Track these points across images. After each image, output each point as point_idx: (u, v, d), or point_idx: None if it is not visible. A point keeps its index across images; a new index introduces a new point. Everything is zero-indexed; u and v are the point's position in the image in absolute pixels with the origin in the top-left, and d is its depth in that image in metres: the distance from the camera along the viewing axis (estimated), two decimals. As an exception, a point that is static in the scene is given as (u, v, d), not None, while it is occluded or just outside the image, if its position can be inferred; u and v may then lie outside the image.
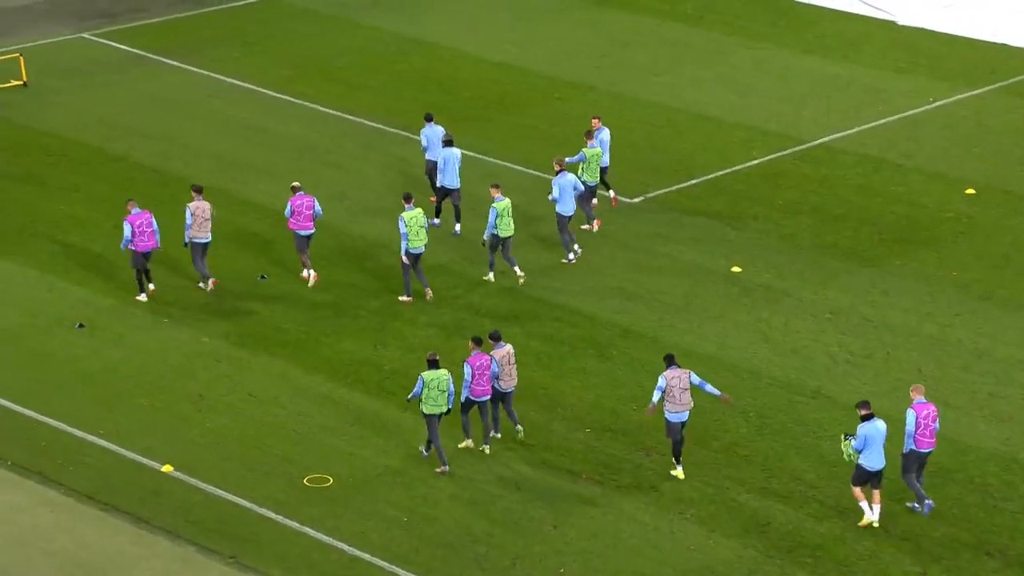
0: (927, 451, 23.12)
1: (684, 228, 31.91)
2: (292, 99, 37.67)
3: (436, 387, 23.66)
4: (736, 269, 30.36)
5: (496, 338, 24.44)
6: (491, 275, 29.54)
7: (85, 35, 41.48)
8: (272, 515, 23.14)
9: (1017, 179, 34.31)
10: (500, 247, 29.24)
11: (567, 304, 28.92)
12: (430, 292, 28.65)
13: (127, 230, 28.08)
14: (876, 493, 23.06)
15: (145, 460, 24.26)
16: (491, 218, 28.90)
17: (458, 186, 30.96)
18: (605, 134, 31.75)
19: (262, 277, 29.67)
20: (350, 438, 24.95)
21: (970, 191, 33.80)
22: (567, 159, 30.77)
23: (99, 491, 23.54)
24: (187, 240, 28.55)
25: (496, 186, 29.36)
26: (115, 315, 28.27)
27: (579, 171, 30.80)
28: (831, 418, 25.40)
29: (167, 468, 24.08)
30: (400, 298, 28.78)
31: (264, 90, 38.12)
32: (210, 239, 28.74)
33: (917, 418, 22.94)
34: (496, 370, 24.15)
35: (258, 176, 33.62)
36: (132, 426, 25.09)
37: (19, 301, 28.73)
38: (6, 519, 23.01)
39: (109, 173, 33.65)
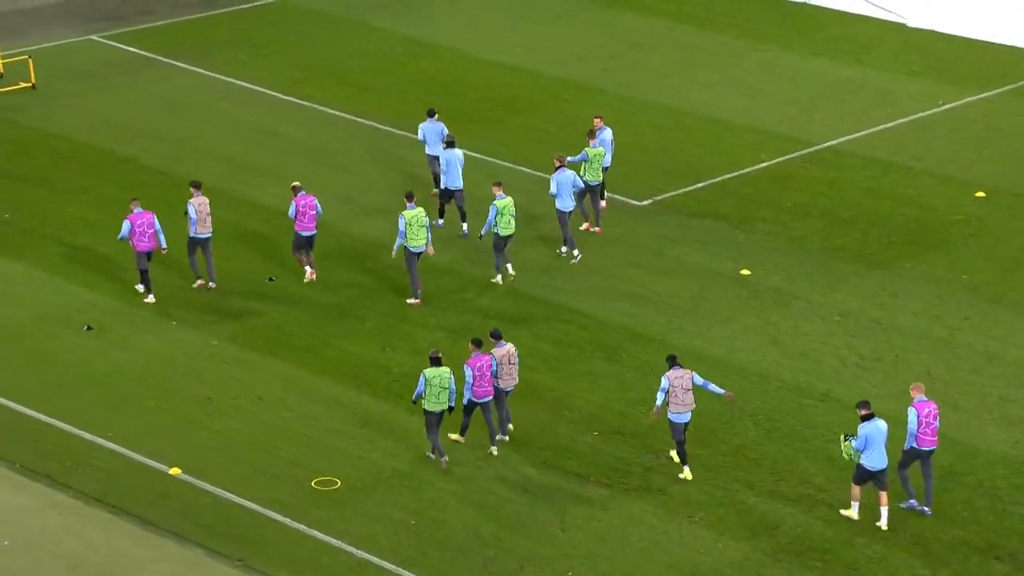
0: (929, 449, 23.14)
1: (693, 231, 31.86)
2: (301, 101, 37.68)
3: (438, 384, 23.69)
4: (745, 272, 30.31)
5: (497, 336, 24.46)
6: (499, 277, 29.52)
7: (94, 37, 41.52)
8: (280, 518, 23.13)
9: (1027, 182, 34.28)
10: (503, 245, 29.25)
11: (575, 307, 28.89)
12: (414, 301, 28.61)
13: (125, 227, 28.18)
14: (883, 495, 23.04)
15: (153, 463, 24.26)
16: (491, 215, 28.92)
17: (461, 187, 30.98)
18: (607, 133, 31.75)
19: (270, 279, 29.67)
20: (358, 441, 24.93)
21: (980, 194, 33.73)
22: (569, 159, 30.80)
23: (107, 494, 23.54)
24: (191, 233, 28.56)
25: (498, 184, 29.38)
26: (123, 317, 28.27)
27: (581, 170, 30.81)
28: (840, 421, 25.33)
29: (175, 471, 24.08)
30: (408, 300, 28.77)
31: (273, 92, 38.14)
32: (209, 235, 28.74)
33: (919, 416, 23.00)
34: (495, 368, 24.15)
35: (267, 178, 33.61)
36: (140, 429, 25.09)
37: (27, 303, 28.75)
38: (14, 522, 23.01)
39: (118, 175, 33.67)
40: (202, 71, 39.31)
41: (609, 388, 26.40)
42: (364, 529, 22.91)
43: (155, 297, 28.58)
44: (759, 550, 22.70)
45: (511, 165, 34.34)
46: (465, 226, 31.08)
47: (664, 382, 23.76)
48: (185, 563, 22.24)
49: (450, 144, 31.10)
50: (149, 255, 28.44)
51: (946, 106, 38.07)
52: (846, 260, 30.81)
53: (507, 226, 29.04)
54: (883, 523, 23.00)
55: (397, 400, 25.78)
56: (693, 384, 23.79)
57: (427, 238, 28.44)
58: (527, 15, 43.64)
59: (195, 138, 35.70)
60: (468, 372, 23.95)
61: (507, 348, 24.43)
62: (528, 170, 34.04)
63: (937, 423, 23.16)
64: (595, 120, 31.90)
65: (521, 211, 31.00)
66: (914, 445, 23.07)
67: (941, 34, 42.60)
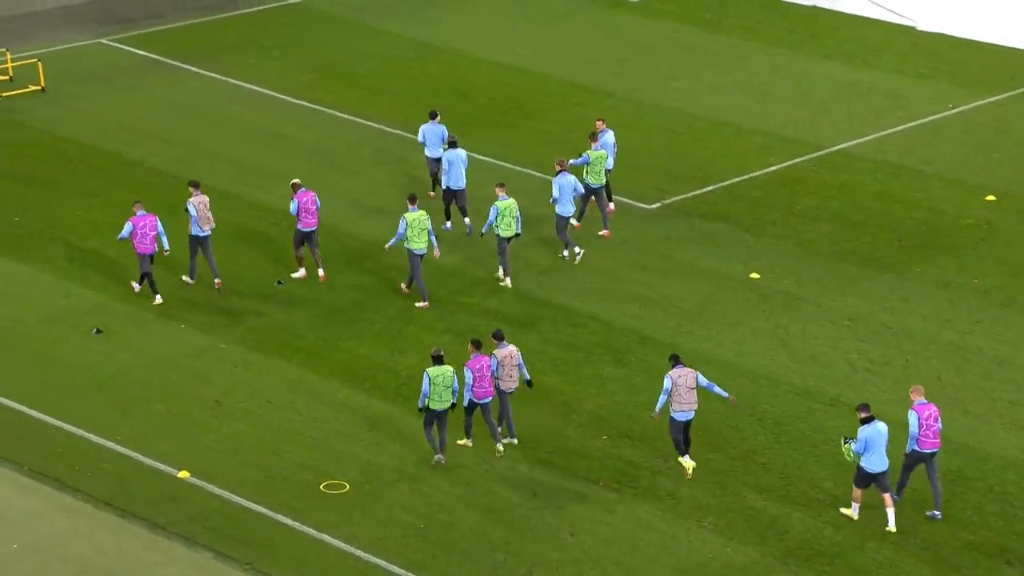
0: (930, 451, 23.15)
1: (702, 234, 31.82)
2: (309, 104, 37.70)
3: (441, 383, 23.75)
4: (754, 275, 30.26)
5: (499, 337, 24.49)
6: (507, 280, 29.50)
7: (103, 40, 41.56)
8: (288, 521, 23.11)
9: (1037, 185, 34.20)
10: (505, 248, 29.27)
11: (584, 310, 28.85)
12: (406, 289, 28.71)
13: (127, 228, 28.26)
14: (887, 497, 23.07)
15: (161, 466, 24.25)
16: (491, 216, 28.97)
17: (463, 187, 31.01)
18: (609, 136, 31.75)
19: (279, 282, 29.67)
20: (366, 444, 24.91)
21: (990, 197, 33.65)
22: (571, 162, 30.81)
23: (116, 497, 23.53)
24: (193, 231, 28.64)
25: (501, 185, 29.41)
26: (131, 320, 28.28)
27: (584, 173, 30.80)
28: (850, 425, 25.25)
29: (183, 474, 24.07)
30: (417, 304, 28.76)
31: (281, 96, 38.15)
32: (209, 233, 28.81)
33: (919, 419, 23.02)
34: (495, 368, 24.15)
35: (275, 181, 33.60)
36: (148, 432, 25.09)
37: (35, 306, 28.76)
38: (23, 525, 23.02)
39: (127, 178, 33.68)
40: (211, 74, 39.34)
41: (617, 391, 26.35)
42: (372, 533, 22.89)
43: (162, 298, 28.58)
44: (768, 554, 22.65)
45: (519, 168, 34.31)
46: (467, 220, 31.08)
47: (667, 382, 23.78)
48: (193, 566, 22.22)
49: (452, 144, 31.11)
50: (151, 258, 28.47)
51: (956, 109, 38.00)
52: (856, 264, 30.75)
53: (507, 228, 29.03)
54: (891, 525, 22.97)
55: (406, 403, 25.75)
56: (697, 384, 23.77)
57: (431, 241, 28.44)
58: (535, 18, 43.63)
59: (204, 141, 35.71)
60: (468, 374, 23.99)
61: (509, 349, 24.44)
62: (538, 173, 34.00)
63: (938, 425, 23.17)
64: (597, 123, 31.90)
65: (527, 213, 30.99)
66: (915, 448, 23.10)
67: (951, 37, 42.53)
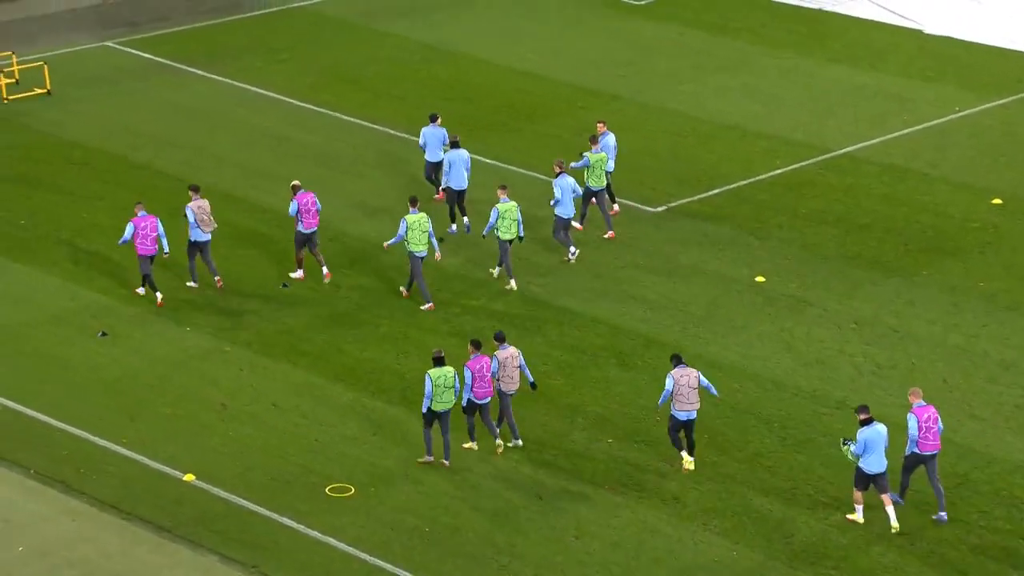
0: (930, 453, 23.16)
1: (708, 237, 31.79)
2: (315, 108, 37.70)
3: (443, 384, 23.79)
4: (760, 279, 30.23)
5: (500, 339, 24.54)
6: (512, 282, 29.51)
7: (109, 44, 41.59)
8: (294, 524, 23.10)
9: (1044, 189, 34.15)
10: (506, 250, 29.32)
11: (589, 313, 28.84)
12: (406, 292, 28.82)
13: (128, 230, 28.32)
14: (885, 497, 23.10)
15: (167, 469, 24.25)
16: (492, 218, 28.99)
17: (464, 187, 31.02)
18: (610, 138, 31.76)
19: (284, 285, 29.67)
20: (372, 447, 24.90)
21: (997, 201, 33.60)
22: (572, 164, 30.84)
23: (121, 500, 23.53)
24: (192, 237, 28.68)
25: (503, 188, 29.43)
26: (137, 323, 28.29)
27: (585, 176, 30.82)
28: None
29: (189, 477, 24.06)
30: (422, 307, 28.76)
31: (287, 99, 38.16)
32: (209, 237, 28.80)
33: (919, 422, 23.03)
34: (495, 369, 24.18)
35: (281, 184, 33.57)
36: (154, 435, 25.09)
37: (41, 309, 28.77)
38: (28, 528, 23.01)
39: (132, 181, 33.69)
40: (217, 77, 39.35)
41: (623, 394, 26.33)
42: (378, 536, 22.88)
43: (162, 295, 28.60)
44: (774, 558, 22.62)
45: (524, 171, 34.28)
46: (466, 220, 31.13)
47: (669, 382, 23.83)
48: (199, 569, 22.21)
49: (455, 144, 31.14)
50: (151, 259, 28.51)
51: (962, 113, 37.95)
52: (862, 267, 30.71)
53: (507, 230, 29.03)
54: (894, 523, 23.00)
55: (411, 406, 25.74)
56: (699, 384, 23.80)
57: (432, 244, 28.46)
58: (541, 21, 43.62)
59: (209, 144, 35.73)
60: (468, 374, 24.05)
61: (510, 351, 24.49)
62: (543, 176, 33.97)
63: (938, 427, 23.18)
64: (598, 125, 31.93)
65: (531, 216, 30.97)
66: (915, 450, 23.11)
67: (957, 40, 42.48)
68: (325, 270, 29.47)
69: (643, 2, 44.89)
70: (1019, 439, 25.40)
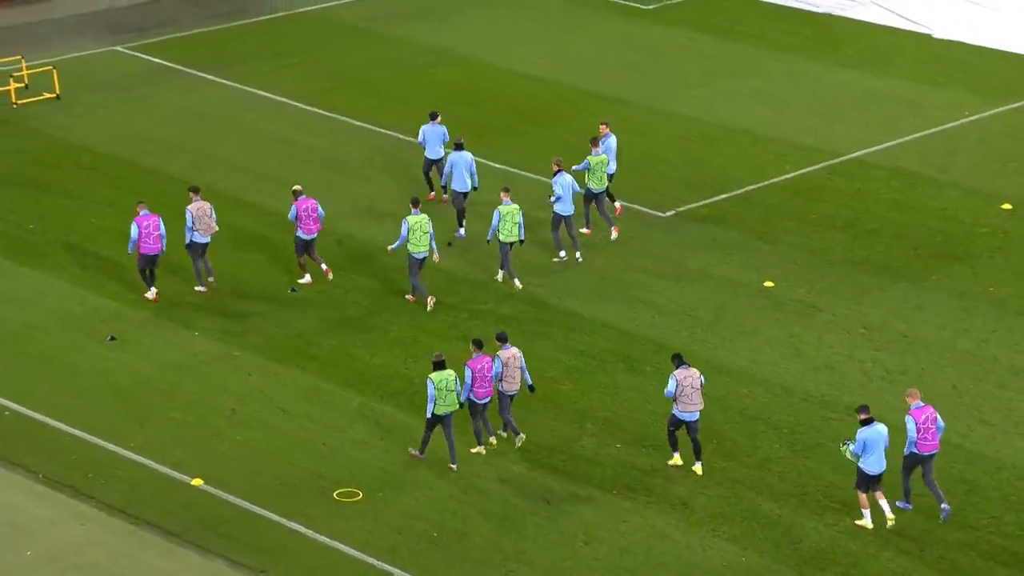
0: (929, 453, 23.17)
1: (716, 242, 31.76)
2: (324, 112, 37.72)
3: (445, 387, 23.87)
4: (768, 284, 30.19)
5: (503, 339, 24.61)
6: (516, 282, 29.54)
7: (118, 48, 41.63)
8: (302, 529, 23.10)
9: (1053, 194, 34.09)
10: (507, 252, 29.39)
11: (598, 317, 28.81)
12: (411, 298, 28.78)
13: (134, 231, 28.38)
14: (879, 493, 23.17)
15: (176, 474, 24.25)
16: (494, 220, 29.04)
17: (467, 190, 31.04)
18: (612, 140, 31.80)
19: (292, 290, 29.68)
20: (380, 452, 24.89)
21: (1006, 206, 33.54)
22: (574, 167, 30.89)
23: (130, 505, 23.54)
24: (188, 240, 28.72)
25: (506, 190, 29.47)
26: (146, 328, 28.30)
27: (585, 178, 30.88)
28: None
29: (197, 482, 24.06)
30: (427, 308, 28.79)
31: (296, 103, 38.18)
32: (209, 240, 28.88)
33: (917, 424, 23.06)
34: (499, 370, 24.19)
35: (289, 189, 33.56)
36: (163, 439, 25.10)
37: (50, 313, 28.79)
38: (37, 533, 23.03)
39: (141, 186, 33.69)
40: (225, 82, 39.38)
41: (631, 399, 26.31)
42: (386, 541, 22.86)
43: (156, 291, 28.76)
44: (783, 563, 22.58)
45: (532, 175, 34.26)
46: (461, 230, 31.24)
47: (672, 383, 23.89)
48: (207, 574, 22.22)
49: (458, 147, 31.18)
50: (153, 258, 28.58)
51: (972, 117, 37.90)
52: (870, 272, 30.67)
53: (509, 233, 29.06)
54: (888, 514, 23.09)
55: (419, 411, 25.70)
56: (701, 385, 23.91)
57: (432, 246, 28.54)
58: (549, 25, 43.61)
59: (218, 149, 35.75)
60: (468, 373, 24.14)
61: (512, 351, 24.58)
62: (550, 180, 33.96)
63: (936, 427, 23.22)
64: (601, 127, 31.98)
65: (538, 219, 30.93)
66: (914, 451, 23.16)
67: (966, 45, 42.42)
68: (324, 266, 29.50)
69: (651, 6, 44.88)
70: (1029, 445, 25.36)
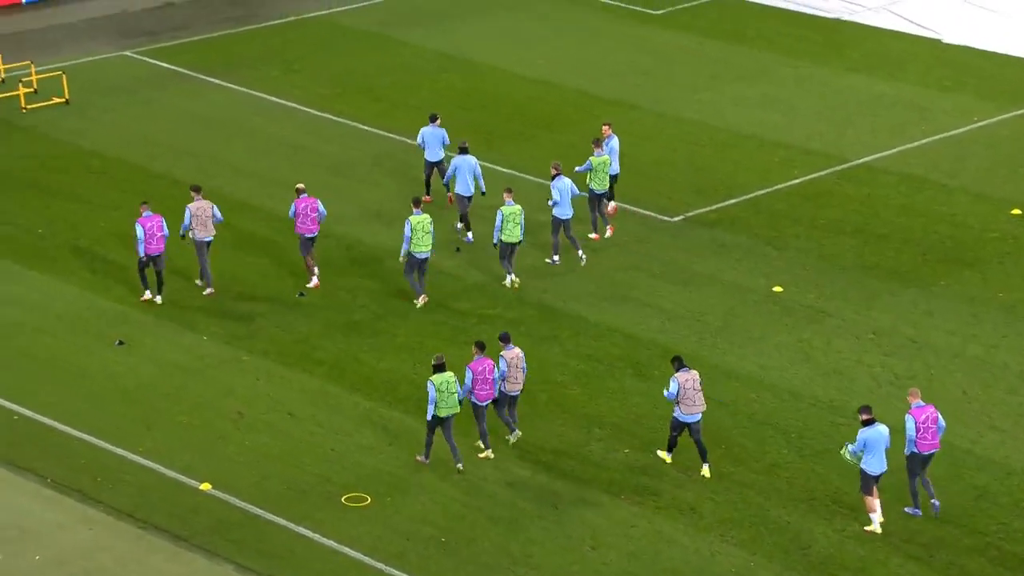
0: (929, 452, 23.19)
1: (725, 247, 31.73)
2: (332, 117, 37.73)
3: (446, 389, 23.91)
4: (777, 289, 30.15)
5: (506, 339, 24.68)
6: (509, 279, 29.53)
7: (127, 53, 41.68)
8: (310, 534, 23.08)
9: (1063, 199, 34.02)
10: (509, 252, 29.37)
11: (606, 322, 28.79)
12: (424, 299, 28.80)
13: (139, 232, 28.38)
14: (874, 491, 23.20)
15: (184, 478, 24.25)
16: (497, 221, 29.08)
17: (471, 194, 31.05)
18: (614, 142, 31.81)
19: (300, 294, 29.69)
20: (388, 457, 24.88)
21: (1015, 211, 33.47)
22: (576, 168, 30.90)
23: (138, 509, 23.54)
24: (182, 232, 28.96)
25: (508, 191, 29.50)
26: (154, 332, 28.31)
27: (587, 179, 30.88)
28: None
29: (205, 486, 24.05)
30: (416, 303, 28.87)
31: (304, 108, 38.20)
32: (212, 238, 28.92)
33: (916, 423, 23.08)
34: (505, 370, 24.23)
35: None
36: (171, 444, 25.10)
37: (59, 318, 28.82)
38: (46, 537, 23.03)
39: (150, 190, 33.70)
40: (234, 86, 39.41)
41: (640, 404, 26.27)
42: (394, 546, 22.84)
43: (150, 295, 28.81)
44: (791, 569, 22.53)
45: (541, 180, 34.23)
46: (461, 229, 31.24)
47: (673, 385, 23.89)
48: (215, 579, 22.23)
49: (463, 150, 31.21)
50: (155, 258, 28.61)
51: (981, 123, 37.83)
52: (880, 278, 30.62)
53: (511, 233, 29.06)
54: (877, 526, 23.16)
55: (425, 416, 25.67)
56: (701, 386, 24.01)
57: (431, 244, 28.66)
58: (558, 30, 43.59)
59: (226, 153, 35.78)
60: (468, 374, 24.18)
61: (515, 352, 24.67)
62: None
63: (937, 427, 23.22)
64: (604, 128, 31.98)
65: (539, 222, 30.90)
66: (915, 450, 23.15)
67: (976, 50, 42.35)
68: (315, 280, 29.48)
69: (660, 11, 44.85)
70: (1038, 450, 25.29)
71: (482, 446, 24.76)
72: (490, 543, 22.94)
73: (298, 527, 23.20)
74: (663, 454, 24.55)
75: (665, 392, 24.23)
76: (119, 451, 24.89)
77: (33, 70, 38.70)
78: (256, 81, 39.67)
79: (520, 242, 29.50)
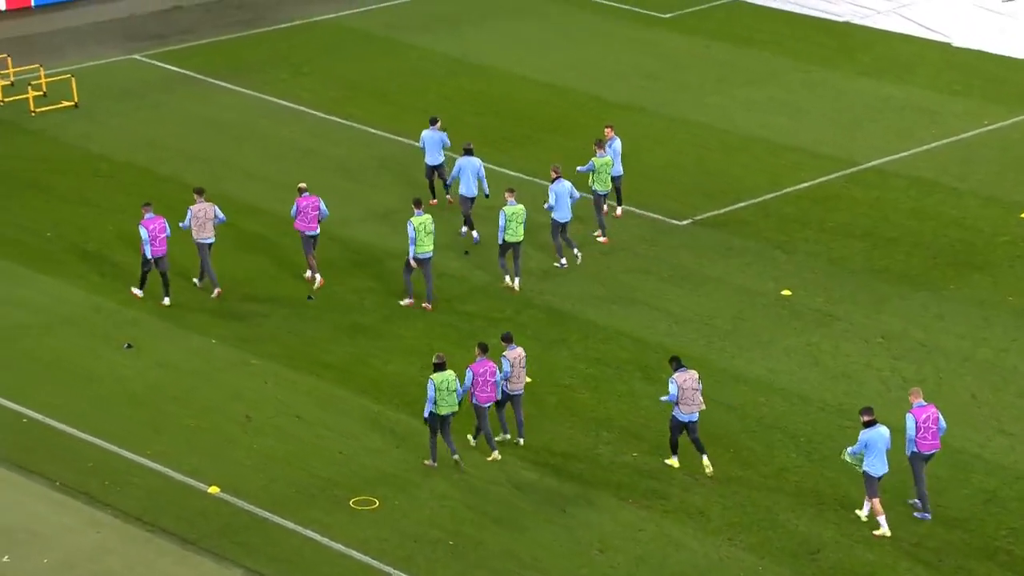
0: (930, 452, 23.19)
1: (733, 251, 31.68)
2: (341, 120, 37.73)
3: (446, 388, 23.95)
4: (786, 292, 30.09)
5: (508, 339, 24.75)
6: (507, 280, 29.53)
7: (136, 56, 41.72)
8: (318, 537, 23.06)
9: (1073, 202, 33.92)
10: (510, 252, 29.37)
11: (614, 326, 28.75)
12: (429, 306, 28.79)
13: (144, 234, 28.41)
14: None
15: (192, 481, 24.24)
16: (501, 222, 29.09)
17: (474, 195, 31.05)
18: (617, 143, 31.82)
19: (309, 298, 29.69)
20: (396, 460, 24.85)
21: (1025, 215, 33.44)
22: (578, 169, 30.88)
23: (146, 512, 23.54)
24: (182, 226, 29.12)
25: (511, 191, 29.51)
26: (162, 335, 28.31)
27: (589, 180, 30.87)
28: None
29: (213, 489, 24.04)
30: (401, 301, 28.92)
31: (313, 111, 38.20)
32: (213, 240, 29.01)
33: (917, 423, 23.08)
34: (508, 371, 24.31)
35: (306, 197, 33.63)
36: (179, 447, 25.09)
37: (67, 321, 28.83)
38: (54, 540, 23.03)
39: (158, 194, 33.68)
40: (242, 90, 39.43)
41: (649, 408, 26.22)
42: (402, 549, 22.81)
43: (143, 294, 28.97)
44: (800, 573, 22.48)
45: (548, 183, 34.20)
46: (465, 229, 31.24)
47: (673, 387, 23.96)
48: (222, 582, 22.21)
49: (467, 152, 31.23)
50: (158, 260, 28.59)
51: (991, 126, 37.75)
52: (889, 281, 30.55)
53: (514, 233, 29.09)
54: (864, 516, 23.16)
55: (436, 420, 25.70)
56: (700, 385, 24.00)
57: (433, 245, 28.68)
58: (567, 33, 43.58)
59: (235, 157, 35.79)
60: (469, 374, 24.19)
61: (518, 351, 24.76)
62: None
63: (938, 427, 23.20)
64: (606, 129, 31.99)
65: (543, 223, 30.88)
66: (915, 450, 23.13)
67: (986, 53, 42.27)
68: (309, 274, 29.50)
69: (669, 15, 44.82)
70: (1048, 454, 25.21)
71: (478, 444, 24.69)
72: (498, 546, 22.91)
73: (306, 530, 23.18)
74: (670, 461, 24.51)
75: (664, 397, 24.18)
76: (127, 454, 24.88)
77: (42, 73, 38.75)
78: (265, 84, 39.69)
79: (520, 241, 29.49)
